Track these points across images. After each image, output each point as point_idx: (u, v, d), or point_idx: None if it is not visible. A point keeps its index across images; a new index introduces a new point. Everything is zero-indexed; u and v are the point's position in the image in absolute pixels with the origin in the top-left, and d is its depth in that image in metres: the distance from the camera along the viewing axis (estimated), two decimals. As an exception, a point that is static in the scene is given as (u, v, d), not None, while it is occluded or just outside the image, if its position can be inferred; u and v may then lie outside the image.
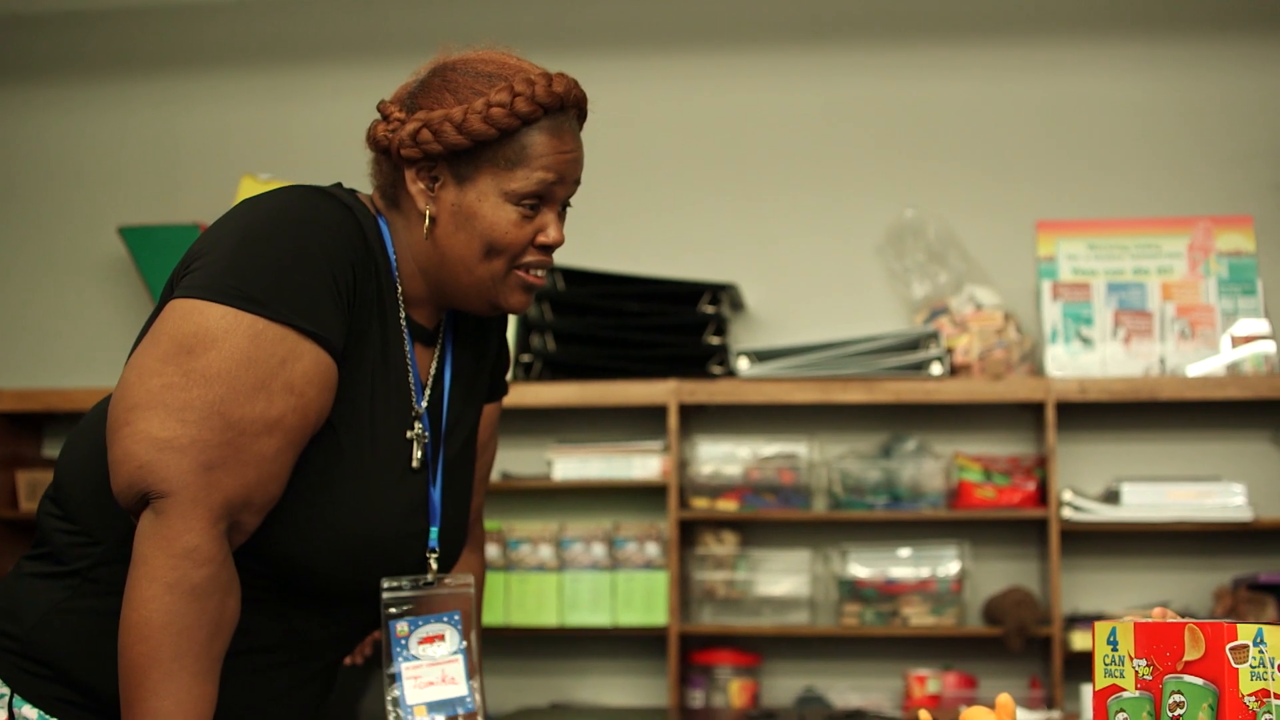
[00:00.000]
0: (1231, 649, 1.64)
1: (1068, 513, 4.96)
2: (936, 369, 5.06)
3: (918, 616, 5.07)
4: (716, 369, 5.13)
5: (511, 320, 5.14)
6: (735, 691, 5.09)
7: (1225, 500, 4.99)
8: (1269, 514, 5.11)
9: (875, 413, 5.31)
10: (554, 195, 2.14)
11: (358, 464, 2.07)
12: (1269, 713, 1.66)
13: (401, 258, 2.17)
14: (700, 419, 5.35)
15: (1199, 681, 1.66)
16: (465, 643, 2.19)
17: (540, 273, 2.18)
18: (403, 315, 2.16)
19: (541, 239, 2.14)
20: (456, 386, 2.27)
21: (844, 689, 5.15)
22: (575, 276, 5.26)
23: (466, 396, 2.30)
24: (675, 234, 5.54)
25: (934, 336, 5.12)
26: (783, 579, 5.19)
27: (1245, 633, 1.66)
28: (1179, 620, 1.71)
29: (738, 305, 5.38)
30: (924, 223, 5.38)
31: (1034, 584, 5.20)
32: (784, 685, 5.26)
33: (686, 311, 5.19)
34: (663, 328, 5.20)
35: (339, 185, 2.19)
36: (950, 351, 5.13)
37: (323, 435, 2.02)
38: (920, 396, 5.06)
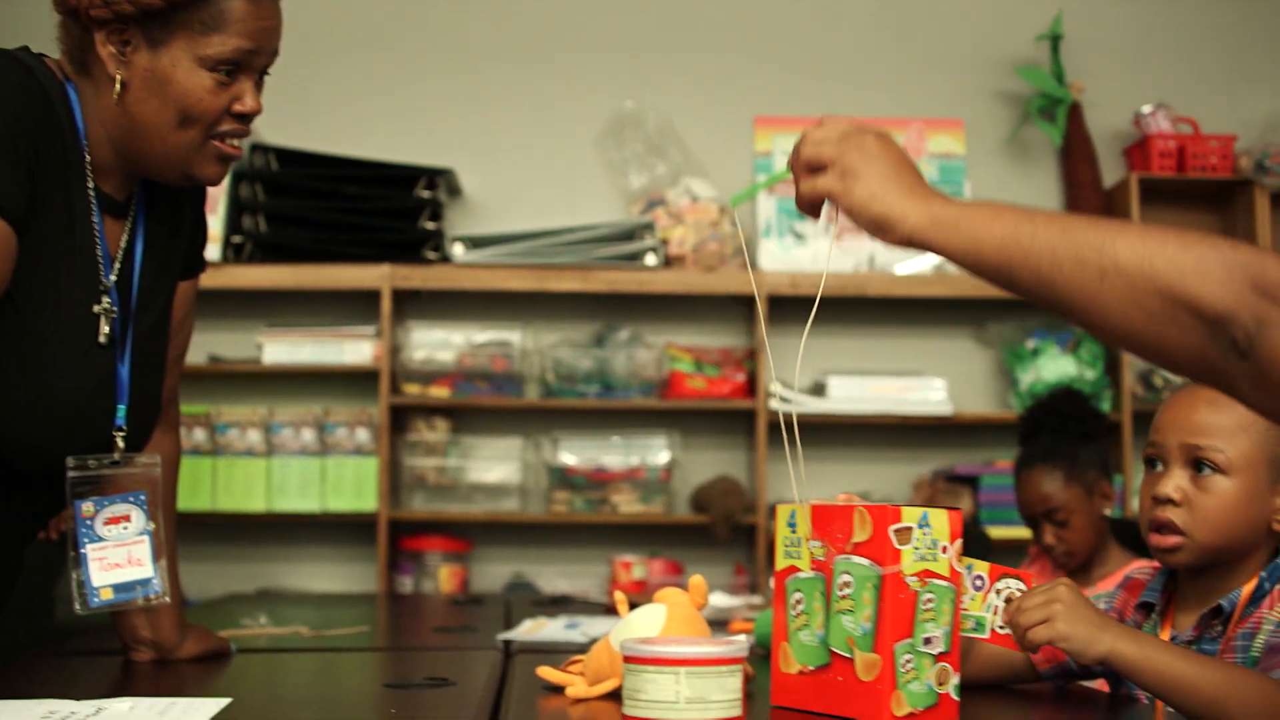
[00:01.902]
0: (895, 531, 1.69)
1: (776, 404, 5.06)
2: (651, 260, 5.09)
3: (627, 504, 5.12)
4: (431, 254, 5.08)
5: (222, 200, 5.01)
6: (445, 577, 5.10)
7: (927, 395, 5.14)
8: (968, 408, 5.28)
9: (589, 302, 5.33)
10: (251, 64, 2.07)
11: (39, 338, 1.99)
12: (931, 592, 1.71)
13: (90, 125, 2.08)
14: (414, 305, 5.30)
15: (865, 562, 1.70)
16: (152, 524, 2.14)
17: (237, 143, 2.11)
18: (90, 185, 2.07)
19: (238, 107, 2.07)
20: (149, 261, 2.19)
21: (553, 575, 5.19)
22: (289, 157, 5.14)
23: (160, 272, 2.23)
24: (392, 117, 5.45)
25: (649, 228, 5.15)
26: (494, 466, 5.20)
27: (910, 515, 1.70)
28: (852, 504, 1.74)
29: (454, 191, 5.34)
30: (643, 114, 5.39)
31: (741, 474, 5.30)
32: (493, 571, 5.28)
33: (402, 196, 5.12)
34: (377, 211, 5.12)
35: (25, 49, 2.09)
36: (665, 243, 5.16)
37: (1, 307, 1.94)
38: (634, 287, 5.09)
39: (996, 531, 4.73)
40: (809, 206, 1.66)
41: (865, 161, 1.60)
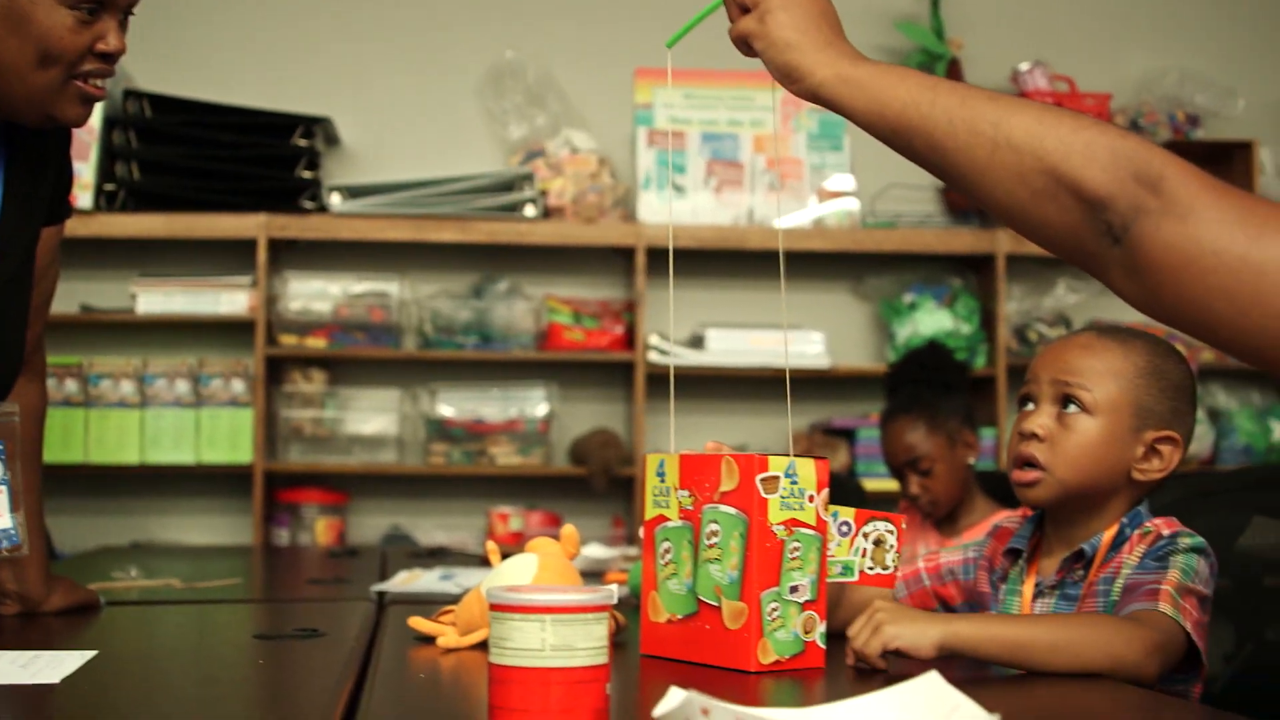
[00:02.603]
0: (762, 480, 1.69)
1: (654, 356, 5.07)
2: (530, 211, 5.07)
3: (505, 456, 5.12)
4: (308, 204, 5.02)
5: (94, 148, 4.92)
6: (321, 530, 5.07)
7: (805, 348, 5.17)
8: (846, 362, 5.32)
9: (468, 253, 5.30)
10: (114, 1, 2.03)
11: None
12: (798, 541, 1.72)
13: (-55, 65, 2.03)
14: (290, 254, 5.24)
15: (732, 511, 1.71)
16: (9, 474, 2.10)
17: (100, 83, 2.06)
18: (-52, 129, 2.03)
19: (101, 46, 2.03)
20: (10, 207, 2.15)
21: (430, 527, 5.18)
22: (163, 104, 5.05)
23: (21, 218, 2.18)
24: (270, 65, 5.38)
25: (529, 178, 5.13)
26: (371, 418, 5.17)
27: (777, 464, 1.71)
28: (720, 452, 1.75)
29: (332, 139, 5.28)
30: (524, 65, 5.36)
31: (620, 426, 5.31)
32: (371, 523, 5.26)
33: (278, 144, 5.05)
34: (253, 160, 5.05)
35: None
36: (544, 194, 5.14)
37: None
38: (513, 238, 5.07)
39: (872, 484, 4.78)
40: (738, 44, 1.69)
41: (787, 7, 1.62)
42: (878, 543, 1.84)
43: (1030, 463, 1.95)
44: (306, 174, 5.03)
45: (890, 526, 1.86)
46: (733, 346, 5.12)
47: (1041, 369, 1.99)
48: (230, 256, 5.15)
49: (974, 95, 1.47)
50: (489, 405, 5.15)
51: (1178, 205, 1.33)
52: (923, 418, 3.59)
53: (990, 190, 1.45)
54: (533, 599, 1.27)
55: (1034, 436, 1.95)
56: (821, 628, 1.75)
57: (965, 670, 1.72)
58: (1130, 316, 5.26)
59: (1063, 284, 5.39)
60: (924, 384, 3.67)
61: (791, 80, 1.60)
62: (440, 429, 5.13)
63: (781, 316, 5.40)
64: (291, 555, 4.26)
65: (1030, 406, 1.99)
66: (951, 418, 3.59)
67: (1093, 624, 1.76)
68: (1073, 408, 1.94)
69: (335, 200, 5.03)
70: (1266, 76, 5.79)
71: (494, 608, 1.29)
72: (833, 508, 1.78)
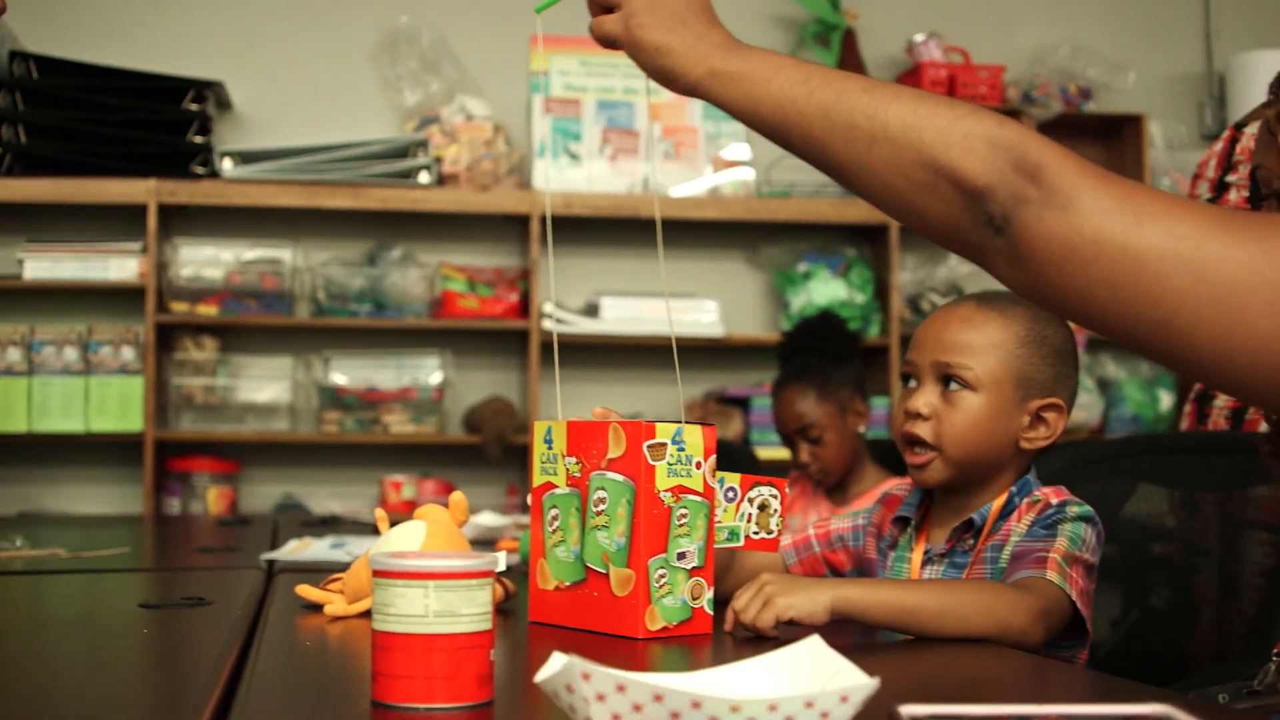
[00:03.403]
0: (649, 446, 1.70)
1: (548, 324, 5.06)
2: (424, 178, 5.04)
3: (398, 424, 5.10)
4: (199, 169, 4.97)
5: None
6: (213, 499, 5.03)
7: (699, 316, 5.18)
8: (740, 330, 5.34)
9: (361, 219, 5.26)
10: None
11: None
12: (685, 508, 1.73)
13: None
14: (181, 220, 5.19)
15: (619, 477, 1.71)
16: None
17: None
18: None
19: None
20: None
21: (323, 496, 5.14)
22: (51, 66, 4.97)
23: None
24: (160, 27, 5.30)
25: (423, 145, 5.10)
26: (264, 385, 5.13)
27: (664, 431, 1.71)
28: (608, 419, 1.75)
29: (223, 104, 5.22)
30: (418, 30, 5.32)
31: (514, 394, 5.30)
32: (263, 492, 5.22)
33: (169, 108, 4.98)
34: (144, 124, 4.98)
35: None
36: (439, 161, 5.12)
37: None
38: (407, 205, 5.04)
39: (766, 452, 4.80)
40: (602, 42, 1.66)
41: (652, 7, 1.59)
42: (762, 507, 1.85)
43: (919, 442, 1.97)
44: (198, 139, 4.97)
45: (774, 491, 1.87)
46: (627, 315, 5.12)
47: (922, 347, 1.99)
48: (120, 222, 5.08)
49: (850, 87, 1.45)
50: (382, 373, 5.13)
51: (1058, 195, 1.32)
52: (813, 386, 3.61)
53: (870, 183, 1.44)
54: (416, 565, 1.27)
55: (919, 416, 1.96)
56: (709, 594, 1.76)
57: (853, 636, 1.74)
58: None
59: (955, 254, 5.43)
60: (815, 353, 3.69)
61: (667, 82, 1.58)
62: (333, 397, 5.10)
63: (663, 285, 5.41)
64: (182, 524, 4.22)
65: (914, 384, 2.00)
66: (842, 387, 3.61)
67: (980, 590, 1.78)
68: (956, 386, 1.95)
69: (227, 166, 4.98)
70: (1157, 51, 5.87)
71: (377, 574, 1.29)
72: (719, 473, 1.79)
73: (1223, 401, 2.89)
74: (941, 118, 1.39)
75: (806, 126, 1.46)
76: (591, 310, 5.17)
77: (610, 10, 1.63)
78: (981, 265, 1.43)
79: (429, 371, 5.15)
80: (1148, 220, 1.29)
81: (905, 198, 1.42)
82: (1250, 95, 5.48)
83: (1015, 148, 1.35)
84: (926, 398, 1.96)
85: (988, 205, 1.36)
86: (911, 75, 5.49)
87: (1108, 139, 5.73)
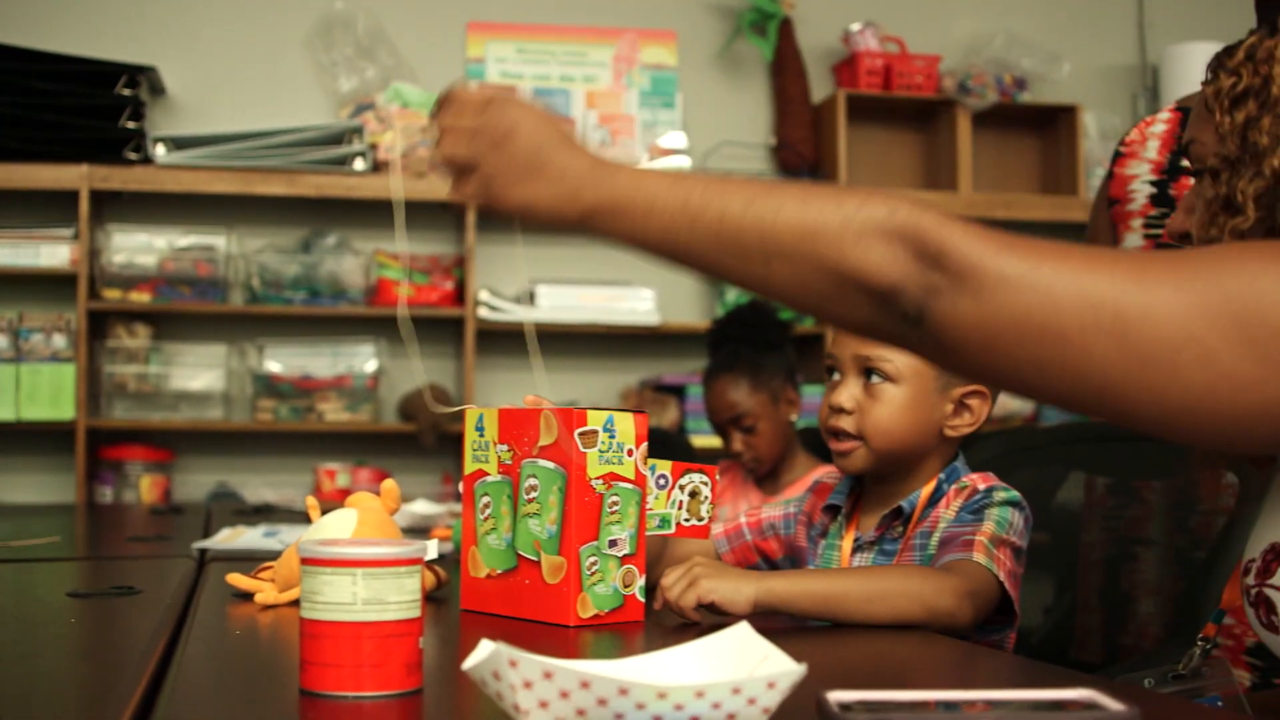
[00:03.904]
0: (580, 434, 1.70)
1: (484, 312, 5.05)
2: (360, 165, 5.02)
3: (333, 412, 5.08)
4: (132, 155, 4.92)
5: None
6: (146, 487, 4.99)
7: (635, 305, 5.19)
8: (675, 318, 5.34)
9: (296, 206, 5.23)
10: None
11: None
12: (617, 495, 1.73)
13: None
14: (114, 207, 5.14)
15: (551, 465, 1.71)
16: None
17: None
18: None
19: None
20: None
21: (257, 484, 5.11)
22: (-20, 50, 4.93)
23: None
24: (93, 11, 5.25)
25: (358, 131, 5.07)
26: (197, 373, 5.09)
27: (595, 419, 1.71)
28: (539, 407, 1.75)
29: (157, 89, 5.18)
30: (354, 16, 5.29)
31: (449, 382, 5.29)
32: (197, 481, 5.18)
33: (102, 93, 4.93)
34: (76, 109, 4.92)
35: None
36: (374, 147, 5.09)
37: None
38: (342, 191, 5.02)
39: (701, 440, 4.81)
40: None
41: (506, 164, 1.49)
42: (693, 494, 1.86)
43: (843, 433, 1.98)
44: (131, 124, 4.92)
45: (705, 478, 1.87)
46: (563, 303, 5.12)
47: (843, 341, 2.00)
48: (51, 208, 5.03)
49: (731, 206, 1.38)
50: (317, 361, 5.11)
51: (967, 279, 1.29)
52: (745, 375, 3.61)
53: (779, 296, 1.40)
54: (343, 552, 1.26)
55: (843, 410, 1.97)
56: (641, 581, 1.76)
57: (783, 622, 1.74)
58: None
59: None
60: (746, 342, 3.69)
61: (553, 228, 1.52)
62: (268, 385, 5.08)
63: (513, 271, 5.41)
64: (114, 513, 4.19)
65: (836, 376, 2.01)
66: (775, 376, 3.62)
67: (906, 575, 1.79)
68: (877, 378, 1.96)
69: (160, 152, 4.94)
70: (1091, 42, 5.91)
71: (305, 561, 1.28)
72: (650, 461, 1.79)
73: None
74: (832, 219, 1.34)
75: (699, 255, 1.41)
76: (528, 298, 5.16)
77: (465, 170, 1.53)
78: (911, 352, 1.41)
79: (364, 359, 5.13)
80: (1060, 290, 1.28)
81: (816, 306, 1.39)
82: (1183, 87, 5.52)
83: (913, 235, 1.31)
84: (849, 391, 1.97)
85: (899, 303, 1.32)
86: (847, 65, 5.51)
87: (1042, 129, 5.77)
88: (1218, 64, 1.53)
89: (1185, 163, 2.80)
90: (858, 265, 1.32)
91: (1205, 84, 1.54)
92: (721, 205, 1.39)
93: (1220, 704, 1.68)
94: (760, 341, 3.68)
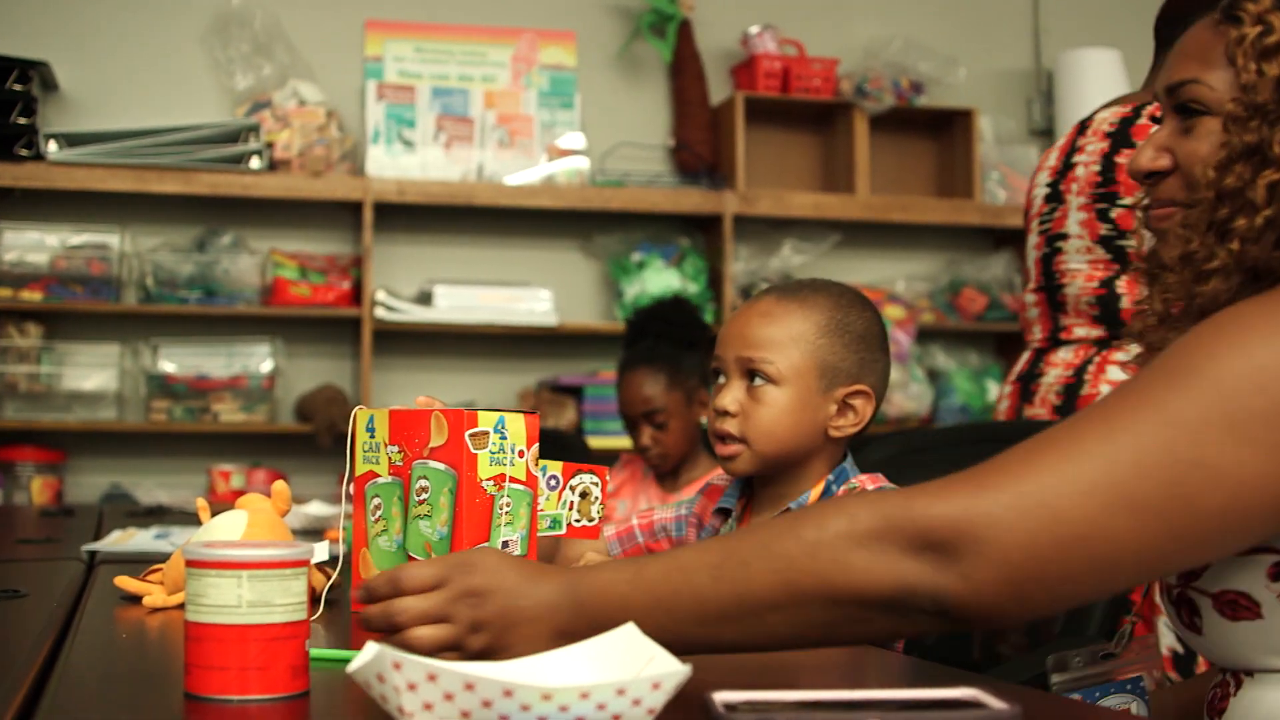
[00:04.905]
0: (471, 435, 1.69)
1: (381, 312, 5.03)
2: (256, 163, 4.98)
3: (228, 413, 5.03)
4: (24, 152, 4.85)
5: None
6: (37, 489, 4.92)
7: (533, 305, 5.18)
8: (573, 319, 5.34)
9: (191, 205, 5.17)
10: None
11: None
12: (508, 496, 1.73)
13: None
14: (4, 204, 5.05)
15: (441, 466, 1.71)
16: None
17: None
18: None
19: None
20: None
21: (151, 486, 5.06)
22: None
23: None
24: (-17, 5, 5.18)
25: (255, 130, 5.03)
26: (90, 374, 5.03)
27: (486, 420, 1.71)
28: (430, 408, 1.74)
29: (49, 85, 5.10)
30: (250, 13, 5.25)
31: (346, 382, 5.26)
32: (89, 482, 5.12)
33: (-9, 89, 4.88)
34: (-36, 105, 4.87)
35: None
36: (271, 146, 5.06)
37: None
38: (238, 190, 4.98)
39: (598, 441, 4.82)
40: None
41: (490, 622, 1.34)
42: (584, 495, 1.86)
43: (728, 435, 1.98)
44: (22, 120, 4.85)
45: (595, 479, 1.87)
46: (461, 303, 5.10)
47: (727, 344, 2.00)
48: (-61, 205, 4.96)
49: (700, 585, 1.32)
50: (212, 361, 5.06)
51: (964, 542, 1.26)
52: (664, 371, 3.62)
53: (794, 643, 1.35)
54: (229, 554, 1.25)
55: (727, 413, 1.98)
56: (533, 583, 1.76)
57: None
58: (856, 278, 5.40)
59: (789, 245, 5.49)
60: (665, 338, 3.71)
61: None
62: (162, 385, 5.03)
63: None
64: (3, 515, 4.13)
65: (722, 379, 2.02)
66: (690, 375, 3.63)
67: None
68: (759, 381, 1.97)
69: (52, 148, 4.88)
70: (987, 47, 5.97)
71: (190, 564, 1.27)
72: (542, 462, 1.79)
73: (1052, 378, 2.95)
74: (800, 554, 1.29)
75: (693, 640, 1.33)
76: (425, 299, 5.14)
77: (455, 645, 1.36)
78: (961, 629, 1.35)
79: (260, 359, 5.09)
80: (1052, 498, 1.27)
81: (831, 637, 1.34)
82: (1077, 92, 5.61)
83: (885, 530, 1.28)
84: (733, 394, 1.98)
85: (914, 601, 1.28)
86: (746, 67, 5.53)
87: (938, 133, 5.82)
88: (1234, 6, 1.51)
89: (1148, 112, 2.84)
90: (849, 585, 1.28)
91: (1211, 24, 1.53)
92: (691, 588, 1.32)
93: (1143, 682, 1.71)
94: (680, 339, 3.70)
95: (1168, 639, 2.66)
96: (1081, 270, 2.95)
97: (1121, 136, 2.90)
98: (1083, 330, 2.96)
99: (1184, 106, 1.53)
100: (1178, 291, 1.51)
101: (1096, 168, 2.92)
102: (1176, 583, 1.52)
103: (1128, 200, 2.84)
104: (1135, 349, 1.63)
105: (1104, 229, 2.91)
